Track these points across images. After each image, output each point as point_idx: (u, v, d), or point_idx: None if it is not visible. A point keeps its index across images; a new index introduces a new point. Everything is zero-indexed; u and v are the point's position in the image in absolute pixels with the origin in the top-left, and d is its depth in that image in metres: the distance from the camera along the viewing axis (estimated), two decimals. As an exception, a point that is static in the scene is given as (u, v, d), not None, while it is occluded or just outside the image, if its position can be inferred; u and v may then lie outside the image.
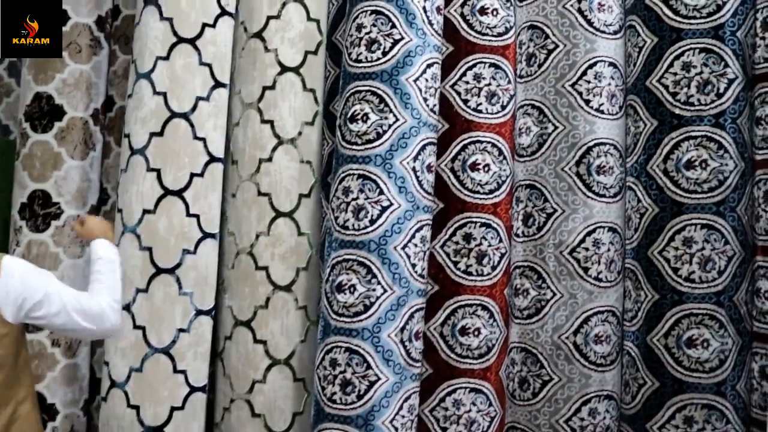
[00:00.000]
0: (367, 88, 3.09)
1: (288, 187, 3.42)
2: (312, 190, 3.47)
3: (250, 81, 3.48)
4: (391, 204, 3.01)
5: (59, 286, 2.27)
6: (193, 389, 3.24)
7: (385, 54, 3.08)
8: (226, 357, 3.47)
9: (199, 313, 3.25)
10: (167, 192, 3.21)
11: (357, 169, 3.05)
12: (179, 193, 3.22)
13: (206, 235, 3.27)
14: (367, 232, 3.00)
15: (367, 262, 2.99)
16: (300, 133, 3.45)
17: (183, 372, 3.21)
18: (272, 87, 3.43)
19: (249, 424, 3.35)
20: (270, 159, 3.41)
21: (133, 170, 3.25)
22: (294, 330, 3.42)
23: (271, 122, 3.42)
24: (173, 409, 3.19)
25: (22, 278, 2.18)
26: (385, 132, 3.04)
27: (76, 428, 3.64)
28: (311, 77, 3.49)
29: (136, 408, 3.15)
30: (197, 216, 3.25)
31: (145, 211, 3.21)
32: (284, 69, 3.44)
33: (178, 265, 3.21)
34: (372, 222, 3.00)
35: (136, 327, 3.18)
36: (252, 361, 3.38)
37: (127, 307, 3.17)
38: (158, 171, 3.21)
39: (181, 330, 3.21)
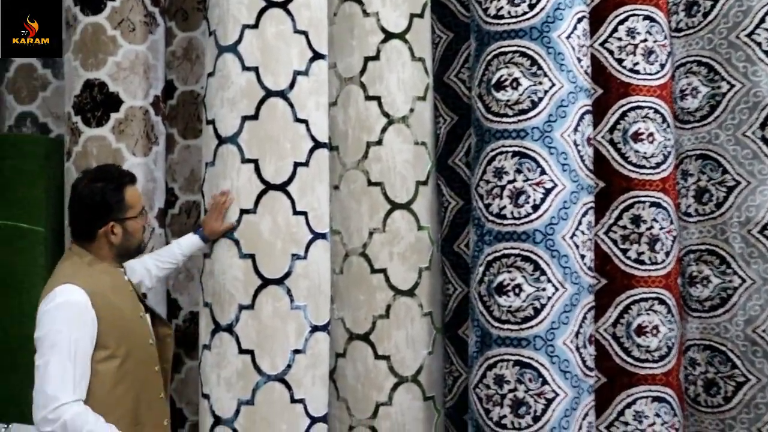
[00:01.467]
0: (514, 48, 2.43)
1: (403, 174, 2.75)
2: (429, 175, 2.82)
3: (348, 52, 2.80)
4: (555, 185, 2.37)
5: (62, 346, 1.98)
6: (314, 420, 2.54)
7: (532, 7, 2.43)
8: (339, 377, 2.79)
9: (314, 329, 2.55)
10: (269, 186, 2.51)
11: (511, 146, 2.40)
12: (283, 187, 2.52)
13: (317, 236, 2.57)
14: (531, 221, 2.36)
15: (534, 257, 2.34)
16: (412, 110, 2.78)
17: (301, 401, 2.51)
18: (376, 57, 2.76)
19: (375, 452, 2.70)
20: (380, 142, 2.74)
21: (224, 162, 2.54)
22: (420, 341, 2.76)
23: (377, 98, 2.75)
24: (293, 446, 2.52)
25: (43, 313, 2.03)
26: (540, 99, 2.40)
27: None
28: (419, 44, 2.82)
29: (251, 448, 2.48)
30: (305, 213, 2.55)
31: (243, 211, 2.50)
32: (388, 35, 2.76)
33: (288, 274, 2.50)
34: (535, 208, 2.36)
35: (242, 351, 2.47)
36: (374, 380, 2.72)
37: (229, 328, 2.48)
38: (256, 162, 2.51)
39: (296, 351, 2.51)
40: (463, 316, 2.73)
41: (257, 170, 2.51)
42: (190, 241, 2.56)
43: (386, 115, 2.74)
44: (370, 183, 2.73)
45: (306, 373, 2.54)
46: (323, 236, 2.60)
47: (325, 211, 2.63)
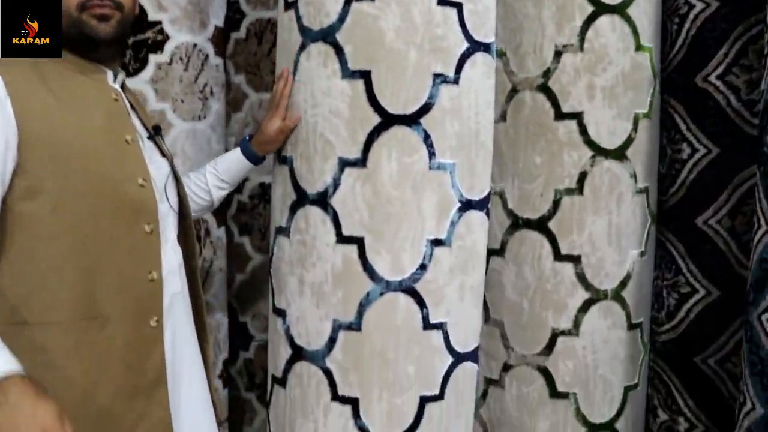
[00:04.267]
0: None
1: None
2: None
3: None
4: None
5: None
6: (459, 358, 1.36)
7: None
8: (492, 287, 1.61)
9: (466, 205, 1.33)
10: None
11: None
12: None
13: (476, 46, 1.31)
14: None
15: None
16: None
17: (440, 327, 1.32)
18: None
19: None
20: None
21: None
22: (630, 234, 1.54)
23: None
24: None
25: None
26: None
27: None
28: None
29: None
30: (458, 5, 1.29)
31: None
32: None
33: (426, 108, 1.27)
34: None
35: (343, 239, 1.28)
36: (551, 295, 1.55)
37: (322, 199, 1.29)
38: None
39: (435, 242, 1.29)
40: (705, 192, 1.50)
41: None
42: (230, 159, 1.46)
43: None
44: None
45: (451, 281, 1.34)
46: (486, 48, 1.35)
47: (491, 5, 1.37)
